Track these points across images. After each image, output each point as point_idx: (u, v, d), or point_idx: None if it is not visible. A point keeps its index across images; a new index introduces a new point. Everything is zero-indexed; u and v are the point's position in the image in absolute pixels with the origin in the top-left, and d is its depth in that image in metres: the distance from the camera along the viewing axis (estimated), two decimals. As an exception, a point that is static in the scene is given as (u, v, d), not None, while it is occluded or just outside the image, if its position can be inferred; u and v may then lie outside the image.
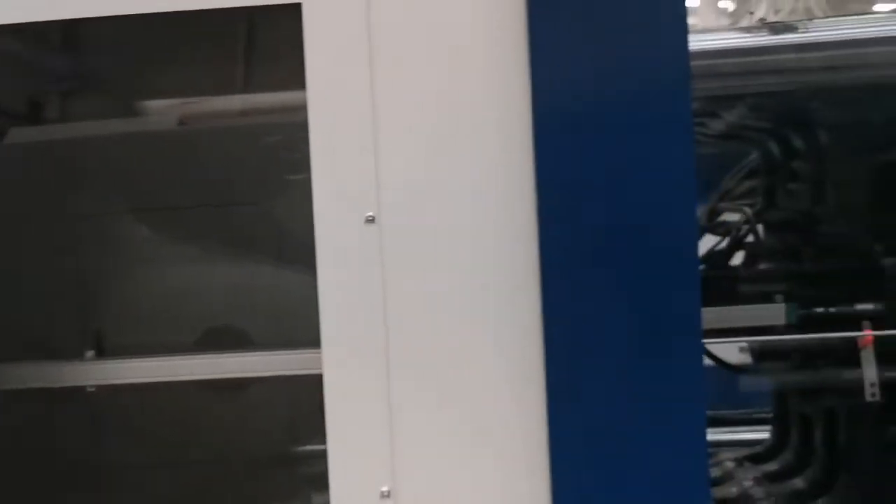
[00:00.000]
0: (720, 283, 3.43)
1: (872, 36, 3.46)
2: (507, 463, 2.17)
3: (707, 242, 3.71)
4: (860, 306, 3.26)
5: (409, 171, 2.17)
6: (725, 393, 4.28)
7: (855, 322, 3.18)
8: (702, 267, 3.47)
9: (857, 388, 3.13)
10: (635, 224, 2.13)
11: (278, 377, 2.57)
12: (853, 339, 3.12)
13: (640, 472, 2.14)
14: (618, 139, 2.12)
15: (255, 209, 2.87)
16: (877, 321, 3.17)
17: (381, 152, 2.15)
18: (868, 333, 3.13)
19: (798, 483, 3.43)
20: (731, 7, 20.31)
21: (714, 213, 3.82)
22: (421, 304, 2.17)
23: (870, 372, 3.12)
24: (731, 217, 3.78)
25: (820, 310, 3.26)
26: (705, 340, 3.25)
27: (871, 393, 3.13)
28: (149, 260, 2.90)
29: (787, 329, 3.17)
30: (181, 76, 3.06)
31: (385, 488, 2.15)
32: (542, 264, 2.12)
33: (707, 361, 3.63)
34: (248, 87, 3.05)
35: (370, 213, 2.14)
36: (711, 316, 3.02)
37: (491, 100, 2.16)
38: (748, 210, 3.64)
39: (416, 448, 2.18)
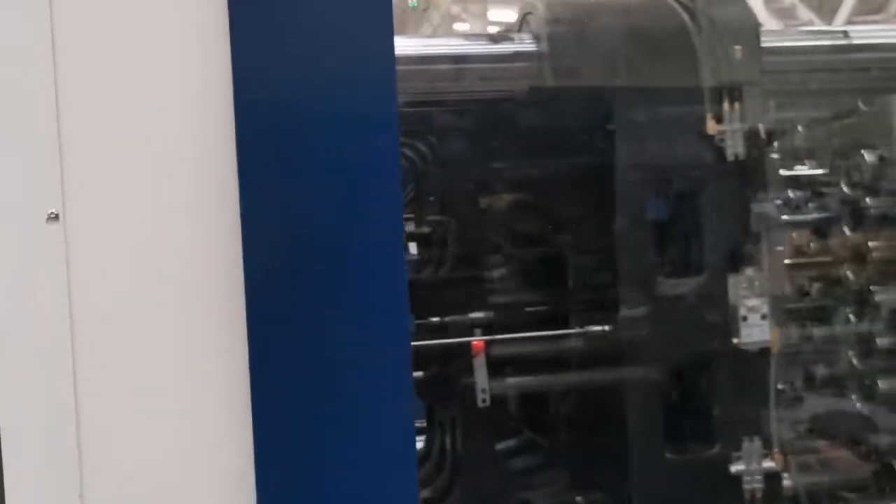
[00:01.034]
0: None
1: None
2: (212, 475, 2.07)
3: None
4: (473, 315, 3.42)
5: (100, 163, 1.99)
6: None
7: (469, 331, 3.34)
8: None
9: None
10: (340, 233, 2.11)
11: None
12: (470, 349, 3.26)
13: (346, 476, 2.11)
14: (322, 148, 2.09)
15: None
16: (488, 329, 3.36)
17: (65, 143, 1.96)
18: (477, 339, 3.30)
19: (425, 492, 3.51)
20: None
21: None
22: (114, 307, 2.01)
23: (481, 378, 3.28)
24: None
25: (436, 319, 3.37)
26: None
27: (483, 399, 3.30)
28: None
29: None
30: None
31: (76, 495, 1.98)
32: (245, 264, 2.03)
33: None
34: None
35: (53, 210, 1.94)
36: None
37: (189, 91, 2.04)
38: None
39: (111, 465, 2.02)
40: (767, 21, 11.22)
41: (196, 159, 2.04)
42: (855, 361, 4.00)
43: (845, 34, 3.98)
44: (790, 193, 4.35)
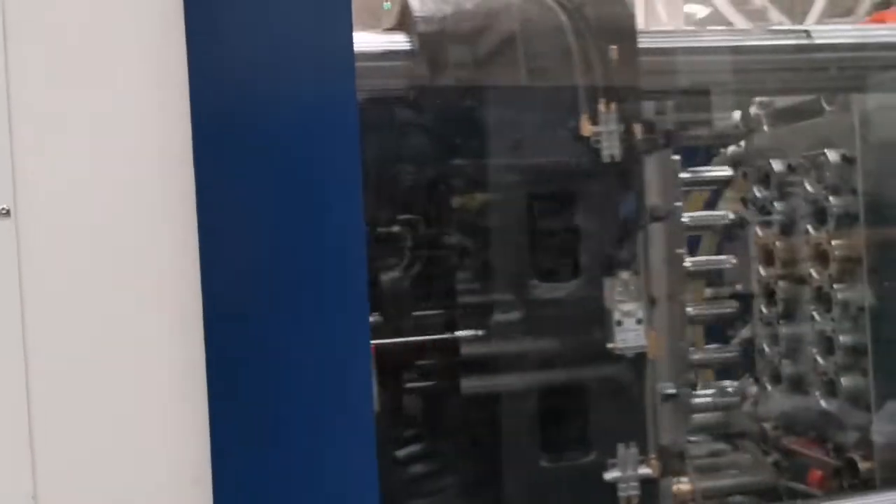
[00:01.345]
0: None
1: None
2: (164, 471, 2.03)
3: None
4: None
5: (52, 158, 1.92)
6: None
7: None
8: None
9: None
10: (298, 231, 2.08)
11: None
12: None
13: (303, 474, 2.11)
14: (281, 151, 2.07)
15: None
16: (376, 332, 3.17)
17: (16, 138, 1.88)
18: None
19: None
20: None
21: None
22: (67, 305, 1.94)
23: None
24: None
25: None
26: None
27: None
28: None
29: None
30: None
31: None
32: (202, 264, 1.97)
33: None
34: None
35: (4, 206, 1.87)
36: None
37: (144, 88, 1.99)
38: None
39: (65, 465, 1.96)
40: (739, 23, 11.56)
41: (151, 157, 1.97)
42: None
43: (807, 34, 4.01)
44: (756, 192, 4.60)
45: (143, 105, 1.96)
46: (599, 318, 3.42)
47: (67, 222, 1.90)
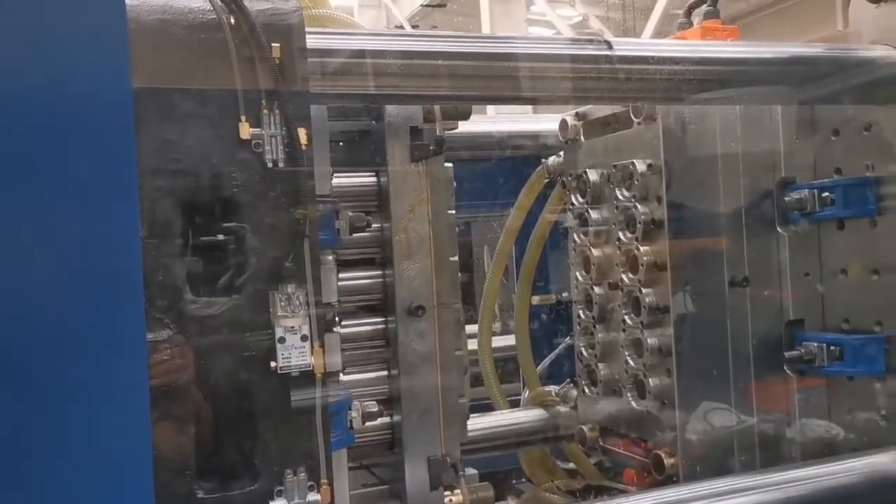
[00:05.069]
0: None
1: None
2: None
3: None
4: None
5: None
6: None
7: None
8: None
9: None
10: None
11: None
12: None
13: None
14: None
15: None
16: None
17: None
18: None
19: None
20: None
21: None
22: None
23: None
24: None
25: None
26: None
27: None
28: None
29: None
30: None
31: None
32: None
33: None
34: None
35: None
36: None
37: None
38: None
39: None
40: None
41: None
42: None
43: (609, 45, 3.94)
44: (574, 200, 4.91)
45: None
46: (263, 336, 3.21)
47: None
